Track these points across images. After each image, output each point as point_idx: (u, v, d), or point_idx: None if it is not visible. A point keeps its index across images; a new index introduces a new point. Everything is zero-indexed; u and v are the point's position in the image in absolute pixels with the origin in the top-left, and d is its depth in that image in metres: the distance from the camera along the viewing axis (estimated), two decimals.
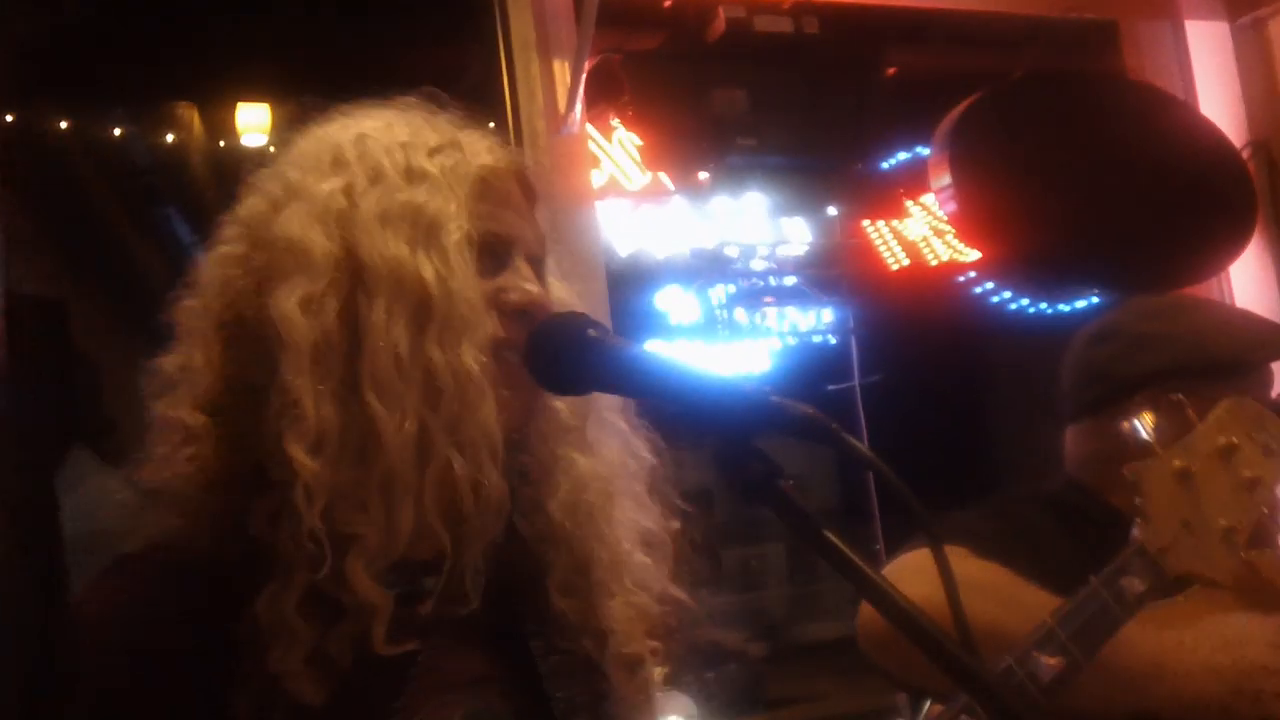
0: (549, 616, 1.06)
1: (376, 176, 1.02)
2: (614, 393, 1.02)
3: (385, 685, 0.97)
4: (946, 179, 4.04)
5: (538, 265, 1.09)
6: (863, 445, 0.84)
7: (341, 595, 0.93)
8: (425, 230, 1.00)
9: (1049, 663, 1.35)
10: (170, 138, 4.97)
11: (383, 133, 1.06)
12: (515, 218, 1.07)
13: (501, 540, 1.01)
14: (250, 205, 1.06)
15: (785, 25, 3.91)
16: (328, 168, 1.03)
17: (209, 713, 0.92)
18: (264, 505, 0.95)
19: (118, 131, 5.16)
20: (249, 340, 0.99)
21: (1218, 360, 1.76)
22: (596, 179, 4.39)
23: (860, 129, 4.79)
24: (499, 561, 1.02)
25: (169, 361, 1.04)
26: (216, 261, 1.05)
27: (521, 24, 3.13)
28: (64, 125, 6.00)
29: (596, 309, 3.17)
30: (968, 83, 4.01)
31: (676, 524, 1.11)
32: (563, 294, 1.13)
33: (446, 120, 1.10)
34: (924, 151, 4.78)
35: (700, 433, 0.88)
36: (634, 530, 1.09)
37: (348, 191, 1.01)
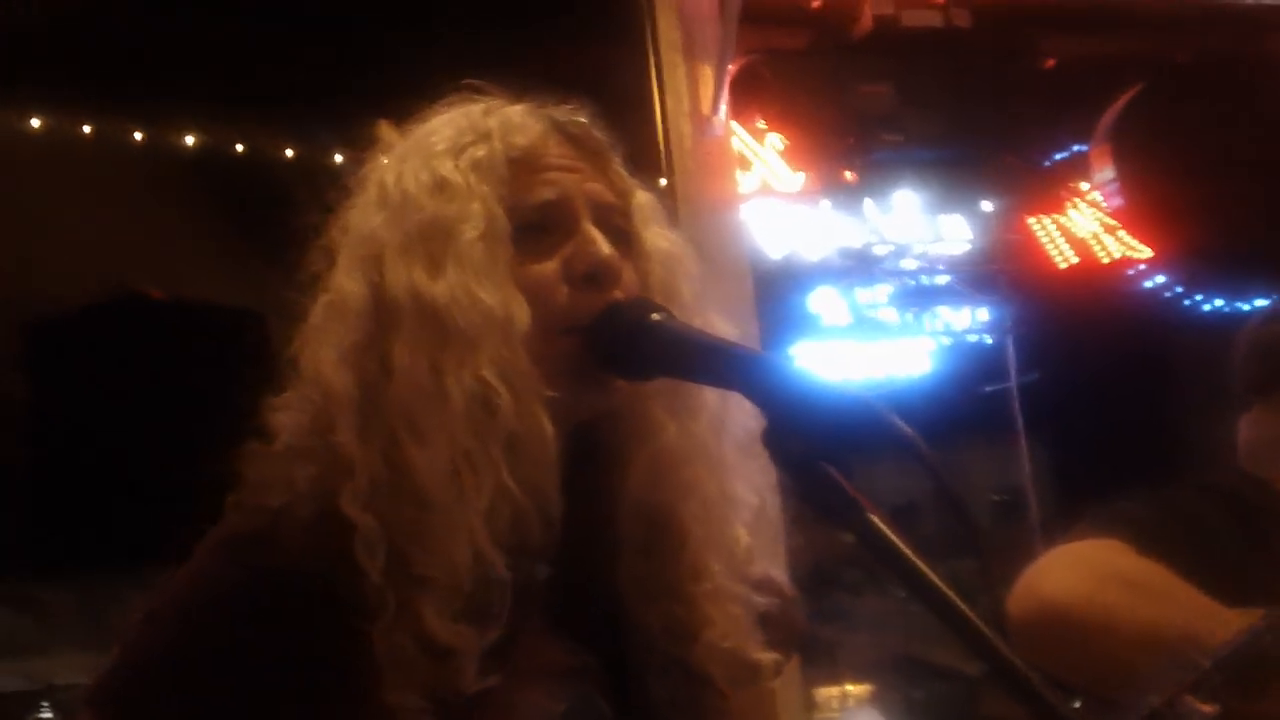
0: (633, 621, 1.00)
1: (403, 203, 0.97)
2: (677, 377, 0.97)
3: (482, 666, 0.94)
4: (1110, 172, 3.89)
5: (613, 215, 1.01)
6: (915, 435, 0.80)
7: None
8: (440, 242, 0.95)
9: (1202, 709, 1.27)
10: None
11: (420, 151, 1.00)
12: (565, 177, 1.00)
13: (586, 536, 0.98)
14: (315, 258, 1.02)
15: (934, 19, 3.83)
16: (373, 207, 1.00)
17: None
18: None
19: (338, 158, 5.58)
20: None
21: None
22: (748, 182, 4.37)
23: (1014, 121, 4.66)
24: (588, 559, 0.98)
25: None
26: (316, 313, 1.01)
27: (668, 27, 3.14)
28: (290, 154, 6.37)
29: (743, 311, 3.17)
30: (1132, 71, 3.84)
31: (777, 498, 1.00)
32: (662, 242, 1.05)
33: (483, 111, 1.02)
34: (1087, 146, 4.61)
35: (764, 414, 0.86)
36: (731, 504, 1.01)
37: (385, 227, 0.98)
